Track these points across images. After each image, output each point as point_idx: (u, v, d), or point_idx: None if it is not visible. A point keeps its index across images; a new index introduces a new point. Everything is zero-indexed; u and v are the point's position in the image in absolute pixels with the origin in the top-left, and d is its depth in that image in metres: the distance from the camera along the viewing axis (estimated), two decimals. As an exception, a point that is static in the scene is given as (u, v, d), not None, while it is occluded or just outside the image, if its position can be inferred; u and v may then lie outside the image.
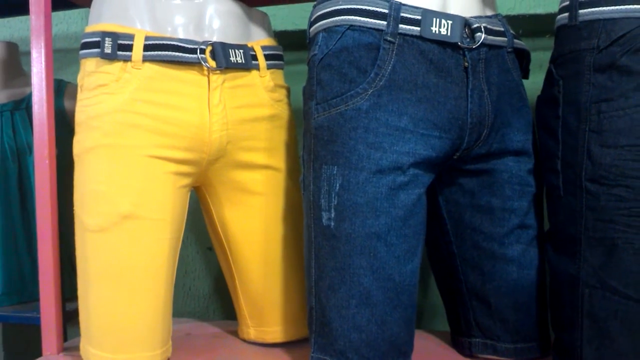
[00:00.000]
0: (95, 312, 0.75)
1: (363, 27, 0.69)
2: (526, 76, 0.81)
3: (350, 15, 0.69)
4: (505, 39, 0.75)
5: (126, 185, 0.74)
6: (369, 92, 0.68)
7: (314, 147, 0.71)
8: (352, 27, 0.69)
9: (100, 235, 0.74)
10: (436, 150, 0.70)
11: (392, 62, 0.68)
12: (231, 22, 0.81)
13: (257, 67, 0.82)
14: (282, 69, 0.88)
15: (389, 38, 0.68)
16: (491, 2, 0.79)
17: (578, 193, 0.66)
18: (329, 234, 0.69)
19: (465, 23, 0.70)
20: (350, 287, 0.67)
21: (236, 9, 0.82)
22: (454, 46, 0.70)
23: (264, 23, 0.87)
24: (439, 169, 0.74)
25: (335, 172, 0.68)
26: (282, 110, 0.85)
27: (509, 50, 0.76)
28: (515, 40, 0.78)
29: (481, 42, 0.71)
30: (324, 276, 0.69)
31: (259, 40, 0.85)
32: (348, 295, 0.67)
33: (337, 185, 0.68)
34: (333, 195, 0.68)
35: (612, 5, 0.64)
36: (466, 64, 0.70)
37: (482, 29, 0.70)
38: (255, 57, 0.82)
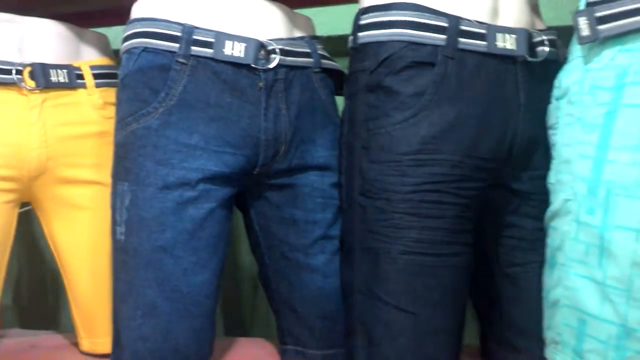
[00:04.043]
0: None
1: (157, 49, 0.72)
2: None
3: (145, 38, 0.72)
4: (311, 59, 0.79)
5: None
6: (160, 111, 0.71)
7: (113, 164, 0.74)
8: (146, 49, 0.72)
9: None
10: (229, 167, 0.73)
11: (183, 83, 0.71)
12: (56, 43, 0.85)
13: (83, 86, 0.85)
14: (117, 87, 0.91)
15: (180, 60, 0.71)
16: (304, 24, 0.82)
17: (353, 206, 0.70)
18: (120, 248, 0.72)
19: (261, 45, 0.74)
20: (136, 299, 0.70)
21: (63, 31, 0.85)
22: (249, 67, 0.73)
23: (100, 43, 0.91)
24: (241, 184, 0.77)
25: (126, 188, 0.71)
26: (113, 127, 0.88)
27: (316, 70, 0.80)
28: (326, 61, 0.82)
29: (280, 63, 0.74)
30: (117, 288, 0.72)
31: (90, 60, 0.88)
32: (135, 307, 0.70)
33: (127, 200, 0.71)
34: (124, 210, 0.71)
35: (381, 29, 0.69)
36: (261, 84, 0.74)
37: (278, 51, 0.74)
38: (81, 77, 0.85)
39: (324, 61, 0.81)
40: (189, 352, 0.71)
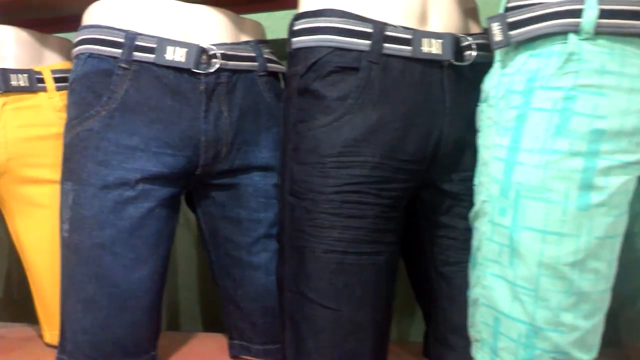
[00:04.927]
0: None
1: (101, 55, 0.75)
2: None
3: (91, 45, 0.76)
4: (256, 63, 0.82)
5: None
6: (102, 114, 0.74)
7: (61, 165, 0.78)
8: (92, 55, 0.76)
9: None
10: (169, 167, 0.76)
11: (125, 87, 0.75)
12: (17, 48, 0.89)
13: (44, 90, 0.89)
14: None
15: (123, 65, 0.75)
16: (252, 29, 0.85)
17: (285, 205, 0.73)
18: (64, 245, 0.75)
19: (203, 50, 0.76)
20: (77, 294, 0.74)
21: (25, 37, 0.89)
22: (190, 71, 0.76)
23: (62, 48, 0.94)
24: (183, 184, 0.80)
25: (70, 187, 0.75)
26: None
27: (261, 74, 0.82)
28: (272, 65, 0.84)
29: (222, 67, 0.77)
30: (62, 283, 0.76)
31: (51, 65, 0.92)
32: (76, 301, 0.74)
33: (71, 199, 0.74)
34: (68, 209, 0.75)
35: (310, 35, 0.71)
36: (202, 87, 0.77)
37: (219, 56, 0.77)
38: (42, 80, 0.89)
39: (270, 65, 0.84)
40: (127, 344, 0.74)
